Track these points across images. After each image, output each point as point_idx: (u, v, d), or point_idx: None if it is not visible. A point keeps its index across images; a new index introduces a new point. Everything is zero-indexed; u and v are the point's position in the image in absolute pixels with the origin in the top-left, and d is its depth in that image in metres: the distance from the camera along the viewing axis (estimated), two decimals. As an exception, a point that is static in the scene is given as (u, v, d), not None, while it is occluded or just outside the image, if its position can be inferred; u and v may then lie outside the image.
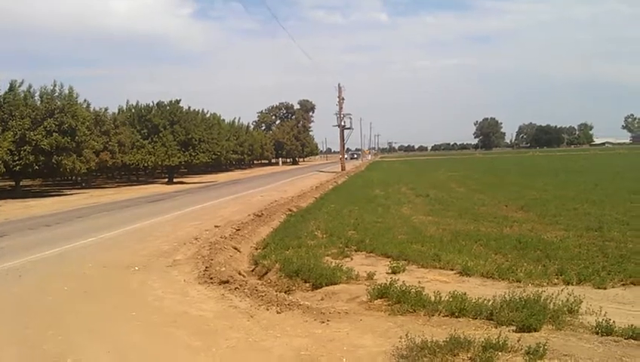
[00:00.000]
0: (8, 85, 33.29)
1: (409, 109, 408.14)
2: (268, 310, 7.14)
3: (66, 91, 34.92)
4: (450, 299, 6.58)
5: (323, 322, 6.48)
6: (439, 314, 6.41)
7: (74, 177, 49.39)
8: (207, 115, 57.37)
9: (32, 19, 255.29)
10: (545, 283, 7.70)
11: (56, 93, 34.48)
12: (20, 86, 33.59)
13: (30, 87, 34.14)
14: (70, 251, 12.57)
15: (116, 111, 47.72)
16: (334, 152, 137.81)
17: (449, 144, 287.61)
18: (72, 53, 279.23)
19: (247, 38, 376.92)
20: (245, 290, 8.19)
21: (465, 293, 6.71)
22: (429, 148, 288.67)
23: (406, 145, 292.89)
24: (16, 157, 31.37)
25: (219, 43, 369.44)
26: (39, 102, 33.91)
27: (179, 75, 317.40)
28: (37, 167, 32.82)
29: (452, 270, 8.87)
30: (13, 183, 38.04)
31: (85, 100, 39.00)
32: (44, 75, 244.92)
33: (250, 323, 6.64)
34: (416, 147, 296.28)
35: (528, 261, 9.02)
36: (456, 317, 6.30)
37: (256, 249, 12.46)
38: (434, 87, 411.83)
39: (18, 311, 7.70)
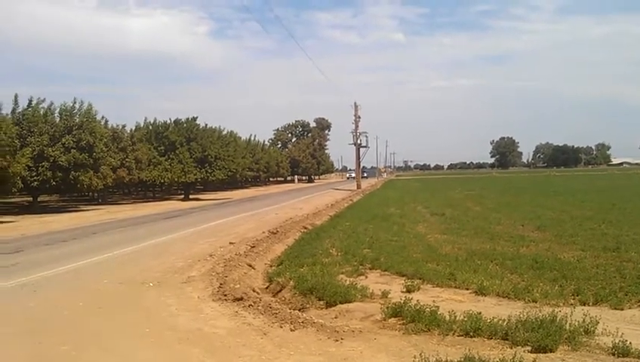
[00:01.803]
0: (27, 102, 33.86)
1: (425, 128, 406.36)
2: (282, 327, 7.12)
3: (85, 108, 35.42)
4: (465, 319, 6.52)
5: (337, 340, 6.45)
6: (454, 334, 6.36)
7: (91, 193, 49.82)
8: (224, 133, 57.73)
9: (48, 37, 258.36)
10: (561, 304, 7.61)
11: (75, 110, 34.95)
12: (41, 103, 34.08)
13: (52, 103, 34.68)
14: (86, 267, 12.66)
15: (133, 128, 48.24)
16: (350, 170, 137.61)
17: (465, 163, 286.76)
18: (87, 71, 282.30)
19: (264, 56, 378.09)
20: (259, 307, 8.18)
21: (480, 313, 6.64)
22: (445, 166, 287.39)
23: (422, 163, 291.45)
24: (34, 173, 31.72)
25: (235, 61, 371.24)
26: (58, 119, 34.36)
27: (196, 92, 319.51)
28: (54, 183, 33.14)
29: (467, 289, 8.80)
30: (31, 199, 38.46)
31: (103, 117, 39.45)
32: (60, 91, 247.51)
33: (263, 341, 6.62)
34: (432, 166, 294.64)
35: (545, 281, 8.93)
36: (471, 336, 6.23)
37: (271, 266, 12.46)
38: (450, 106, 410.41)
39: (32, 326, 7.74)
